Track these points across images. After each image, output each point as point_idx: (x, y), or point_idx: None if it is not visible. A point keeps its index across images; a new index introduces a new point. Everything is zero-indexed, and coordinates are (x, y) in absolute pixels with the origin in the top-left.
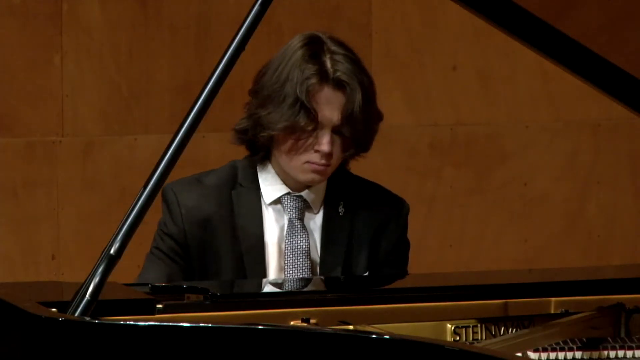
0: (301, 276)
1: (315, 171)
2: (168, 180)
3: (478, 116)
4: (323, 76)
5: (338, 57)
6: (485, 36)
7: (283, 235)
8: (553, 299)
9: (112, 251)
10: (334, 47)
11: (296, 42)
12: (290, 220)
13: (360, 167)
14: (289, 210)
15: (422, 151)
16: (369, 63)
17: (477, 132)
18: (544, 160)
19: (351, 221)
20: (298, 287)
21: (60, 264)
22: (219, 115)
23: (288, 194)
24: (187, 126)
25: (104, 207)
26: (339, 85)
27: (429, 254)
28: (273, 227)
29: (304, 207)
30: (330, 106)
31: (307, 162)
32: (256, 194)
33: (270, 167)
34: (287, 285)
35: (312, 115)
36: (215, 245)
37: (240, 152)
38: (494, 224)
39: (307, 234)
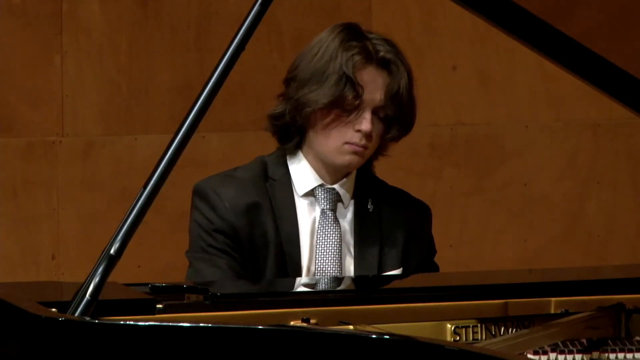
0: (331, 269)
1: (354, 152)
2: (168, 181)
3: (478, 116)
4: (368, 55)
5: (377, 41)
6: (485, 36)
7: (315, 226)
8: (553, 299)
9: (112, 251)
10: (371, 35)
11: (331, 30)
12: (322, 211)
13: None
14: (321, 202)
15: (422, 151)
16: None
17: (477, 132)
18: (544, 160)
19: (380, 218)
20: (298, 287)
21: (60, 264)
22: (219, 115)
23: (321, 185)
24: (187, 126)
25: (104, 207)
26: (383, 64)
27: None
28: (306, 218)
29: (336, 200)
30: (373, 85)
31: (347, 142)
32: (288, 185)
33: (302, 156)
34: (287, 285)
35: (357, 91)
36: (261, 234)
37: (241, 153)
38: (494, 224)
39: (339, 226)
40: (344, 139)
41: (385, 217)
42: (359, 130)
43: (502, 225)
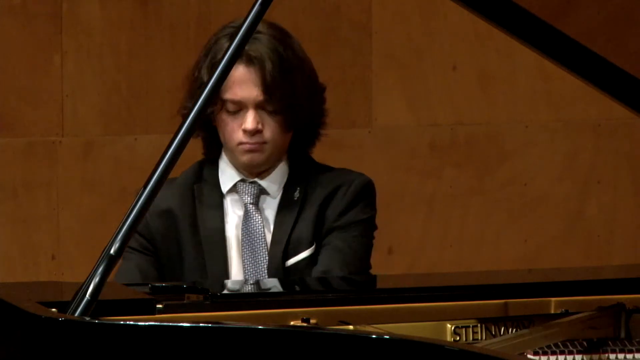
0: (257, 261)
1: (249, 150)
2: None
3: (478, 116)
4: None
5: (257, 36)
6: (485, 36)
7: (240, 221)
8: (553, 299)
9: (112, 251)
10: (259, 28)
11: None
12: (245, 206)
13: (360, 167)
14: (244, 196)
15: (422, 151)
16: (369, 63)
17: (477, 132)
18: (544, 160)
19: (303, 202)
20: (298, 287)
21: (60, 264)
22: None
23: (242, 180)
24: (187, 126)
25: (104, 207)
26: (250, 61)
27: (429, 254)
28: (232, 216)
29: (259, 193)
30: (245, 84)
31: (239, 143)
32: (217, 186)
33: (224, 155)
34: (287, 285)
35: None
36: (176, 236)
37: None
38: (494, 224)
39: (262, 218)
40: (236, 140)
41: (310, 199)
42: (245, 131)
43: (502, 225)
